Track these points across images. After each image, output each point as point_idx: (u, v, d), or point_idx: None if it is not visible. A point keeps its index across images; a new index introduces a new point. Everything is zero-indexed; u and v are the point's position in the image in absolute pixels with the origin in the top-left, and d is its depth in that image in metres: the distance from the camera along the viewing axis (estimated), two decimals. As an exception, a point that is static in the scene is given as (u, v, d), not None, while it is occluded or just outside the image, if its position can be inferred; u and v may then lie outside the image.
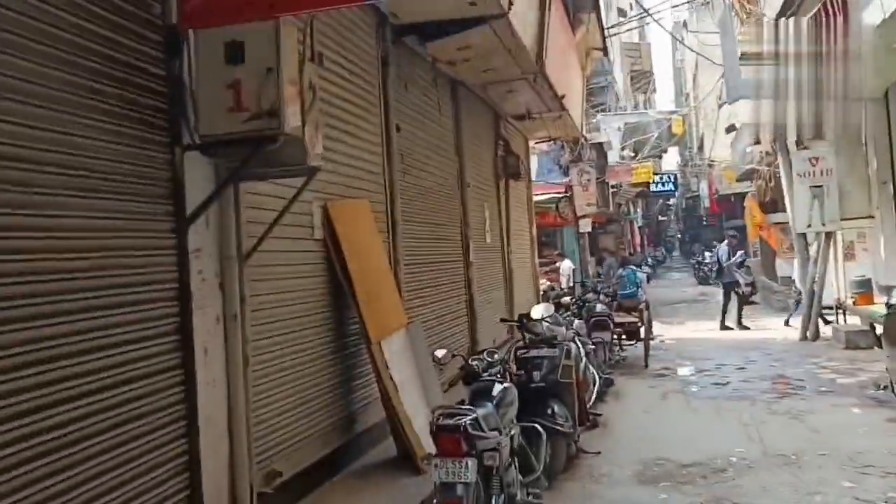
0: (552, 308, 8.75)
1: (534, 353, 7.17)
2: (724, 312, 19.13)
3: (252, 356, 4.96)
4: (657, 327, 18.36)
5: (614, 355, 11.24)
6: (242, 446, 4.75)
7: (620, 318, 13.38)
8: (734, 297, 19.07)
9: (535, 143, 17.27)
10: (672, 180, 33.95)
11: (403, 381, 6.57)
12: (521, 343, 7.51)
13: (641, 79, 40.52)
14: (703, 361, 13.49)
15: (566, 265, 21.06)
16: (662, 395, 10.58)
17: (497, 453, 4.98)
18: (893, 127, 14.84)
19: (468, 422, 4.80)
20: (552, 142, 17.56)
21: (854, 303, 14.27)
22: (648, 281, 38.56)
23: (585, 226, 18.64)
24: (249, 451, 4.81)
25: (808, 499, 6.11)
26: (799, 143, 15.71)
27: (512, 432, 5.57)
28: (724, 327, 18.51)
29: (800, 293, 17.46)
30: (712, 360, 13.54)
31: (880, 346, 13.10)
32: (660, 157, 32.45)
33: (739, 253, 21.03)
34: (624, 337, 13.48)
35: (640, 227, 43.21)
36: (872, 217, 15.67)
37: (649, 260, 44.80)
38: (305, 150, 4.48)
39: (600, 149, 20.97)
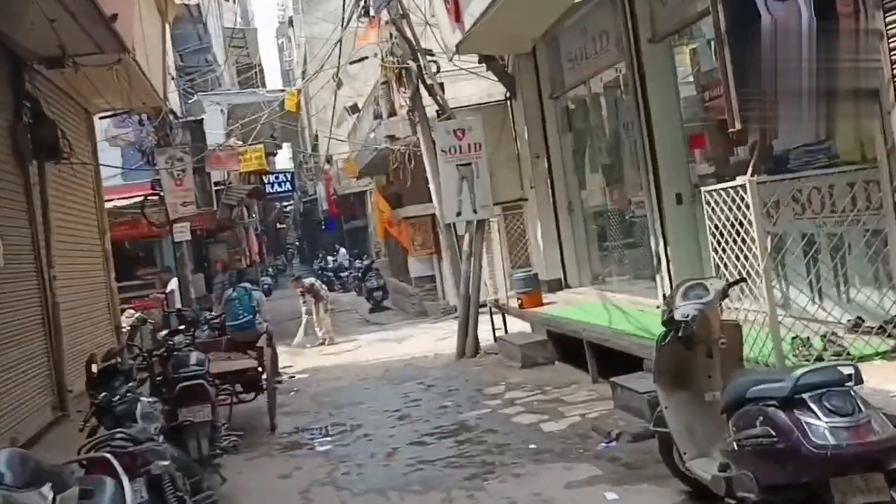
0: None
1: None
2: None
3: None
4: (284, 356, 14.45)
5: (219, 439, 7.02)
6: None
7: (230, 364, 9.22)
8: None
9: (102, 116, 12.33)
10: (289, 179, 30.33)
11: None
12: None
13: (249, 71, 36.36)
14: (351, 408, 9.82)
15: (173, 284, 16.30)
16: (302, 492, 6.60)
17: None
18: (543, 87, 12.42)
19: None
20: (127, 116, 12.73)
21: (520, 304, 11.56)
22: (270, 293, 34.93)
23: (183, 233, 14.10)
24: None
25: None
26: (442, 112, 12.73)
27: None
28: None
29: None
30: (363, 405, 9.92)
31: (563, 361, 10.49)
32: (274, 154, 28.62)
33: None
34: (239, 391, 9.34)
35: (258, 235, 39.10)
36: (525, 199, 13.21)
37: (270, 269, 41.01)
38: None
39: (197, 129, 16.48)
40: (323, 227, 51.24)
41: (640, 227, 11.31)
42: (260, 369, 9.24)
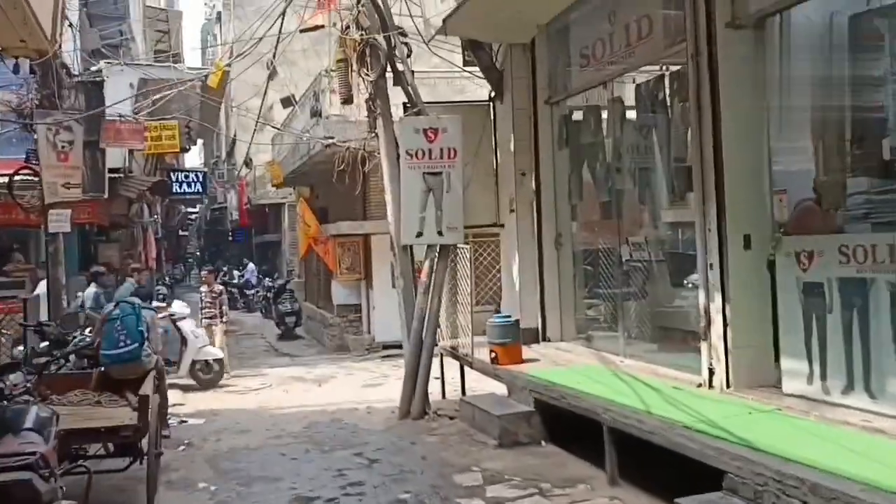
0: None
1: None
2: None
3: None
4: (174, 392, 11.54)
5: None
6: None
7: (99, 414, 6.35)
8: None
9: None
10: (199, 180, 26.96)
11: None
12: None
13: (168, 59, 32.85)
14: (265, 487, 6.99)
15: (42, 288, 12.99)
16: None
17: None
18: (539, 88, 10.03)
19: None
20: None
21: (493, 358, 8.96)
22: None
23: (60, 221, 10.89)
24: None
25: None
26: (411, 105, 10.12)
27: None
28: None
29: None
30: (281, 483, 7.09)
31: (552, 442, 7.94)
32: (186, 149, 25.34)
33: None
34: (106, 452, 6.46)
35: (158, 239, 35.42)
36: (502, 226, 10.72)
37: (167, 279, 37.33)
38: None
39: (95, 94, 13.24)
40: (230, 237, 47.54)
41: (641, 274, 8.99)
42: (138, 425, 6.35)
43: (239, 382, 13.55)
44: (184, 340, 12.92)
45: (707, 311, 6.79)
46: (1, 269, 15.40)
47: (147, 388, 6.63)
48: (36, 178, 11.73)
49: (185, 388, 12.59)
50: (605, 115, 9.23)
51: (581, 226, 10.09)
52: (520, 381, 8.27)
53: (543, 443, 7.83)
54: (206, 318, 14.32)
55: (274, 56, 14.25)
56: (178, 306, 13.65)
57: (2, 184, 12.50)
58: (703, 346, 6.86)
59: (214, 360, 13.22)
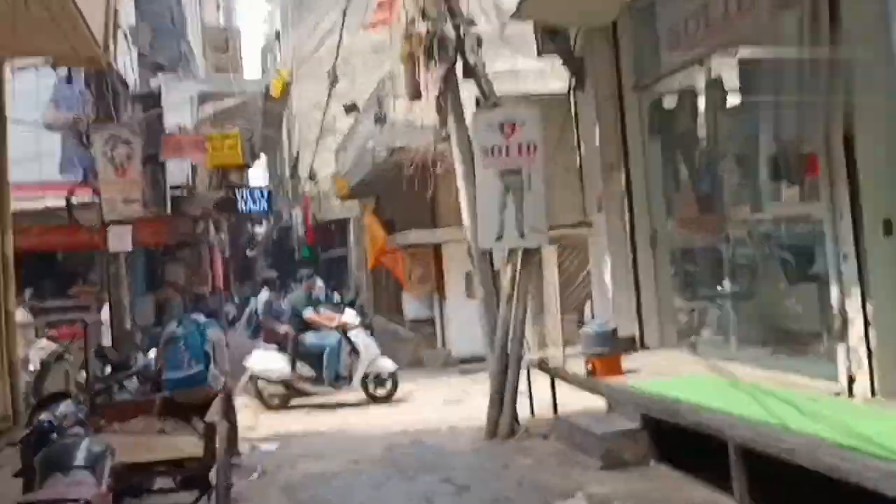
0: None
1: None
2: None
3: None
4: (245, 412, 11.02)
5: None
6: None
7: (162, 444, 5.75)
8: None
9: (20, 66, 8.80)
10: (265, 197, 26.63)
11: None
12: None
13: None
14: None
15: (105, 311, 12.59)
16: None
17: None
18: (624, 74, 9.19)
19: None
20: (64, 80, 9.19)
21: (590, 370, 8.13)
22: (234, 324, 30.90)
23: (121, 239, 10.41)
24: None
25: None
26: (484, 99, 9.37)
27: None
28: None
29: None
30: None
31: (661, 461, 7.08)
32: (248, 165, 25.06)
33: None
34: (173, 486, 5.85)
35: (225, 258, 35.37)
36: (590, 225, 9.88)
37: (237, 298, 37.30)
38: None
39: (152, 106, 12.83)
40: (298, 257, 47.39)
41: (748, 272, 8.10)
42: (206, 458, 5.71)
43: (314, 400, 12.92)
44: (355, 351, 12.25)
45: (842, 310, 5.87)
46: (66, 292, 15.17)
47: (214, 413, 6.00)
48: (96, 198, 11.34)
49: (321, 407, 12.00)
50: (701, 99, 8.38)
51: (678, 222, 9.20)
52: (623, 394, 7.42)
53: (652, 462, 6.97)
54: None
55: (336, 58, 13.73)
56: (350, 315, 12.81)
57: (62, 206, 12.18)
58: (840, 349, 5.93)
59: (389, 373, 12.43)
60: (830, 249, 5.93)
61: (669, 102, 8.90)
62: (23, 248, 9.35)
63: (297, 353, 12.14)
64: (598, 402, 8.22)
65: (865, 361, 5.64)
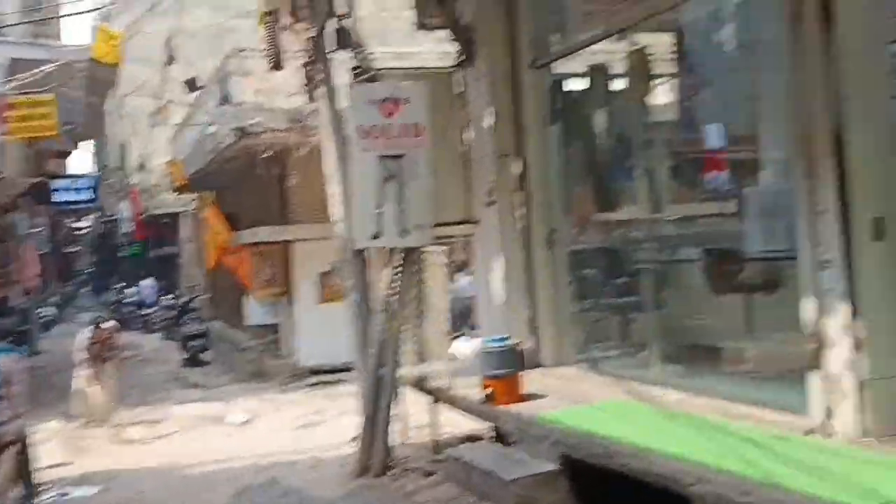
0: None
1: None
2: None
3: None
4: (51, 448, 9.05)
5: None
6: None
7: None
8: None
9: None
10: (91, 186, 23.78)
11: None
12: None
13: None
14: None
15: None
16: None
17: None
18: (521, 49, 8.01)
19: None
20: None
21: (488, 395, 6.80)
22: (50, 328, 27.71)
23: None
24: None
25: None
26: (361, 71, 7.87)
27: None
28: None
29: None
30: None
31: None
32: (68, 152, 22.28)
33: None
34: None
35: (42, 255, 31.78)
36: (476, 223, 8.58)
37: (56, 298, 33.85)
38: None
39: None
40: (123, 253, 43.83)
41: (662, 278, 7.10)
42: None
43: (138, 425, 10.97)
44: None
45: (820, 330, 4.82)
46: None
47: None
48: None
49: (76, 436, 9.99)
50: (613, 77, 7.28)
51: (579, 219, 8.07)
52: (535, 428, 6.11)
53: (574, 513, 5.74)
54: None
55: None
56: None
57: None
58: (815, 377, 4.88)
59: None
60: (806, 255, 4.87)
61: (575, 83, 7.74)
62: None
63: None
64: (481, 425, 6.97)
65: (852, 392, 4.61)
